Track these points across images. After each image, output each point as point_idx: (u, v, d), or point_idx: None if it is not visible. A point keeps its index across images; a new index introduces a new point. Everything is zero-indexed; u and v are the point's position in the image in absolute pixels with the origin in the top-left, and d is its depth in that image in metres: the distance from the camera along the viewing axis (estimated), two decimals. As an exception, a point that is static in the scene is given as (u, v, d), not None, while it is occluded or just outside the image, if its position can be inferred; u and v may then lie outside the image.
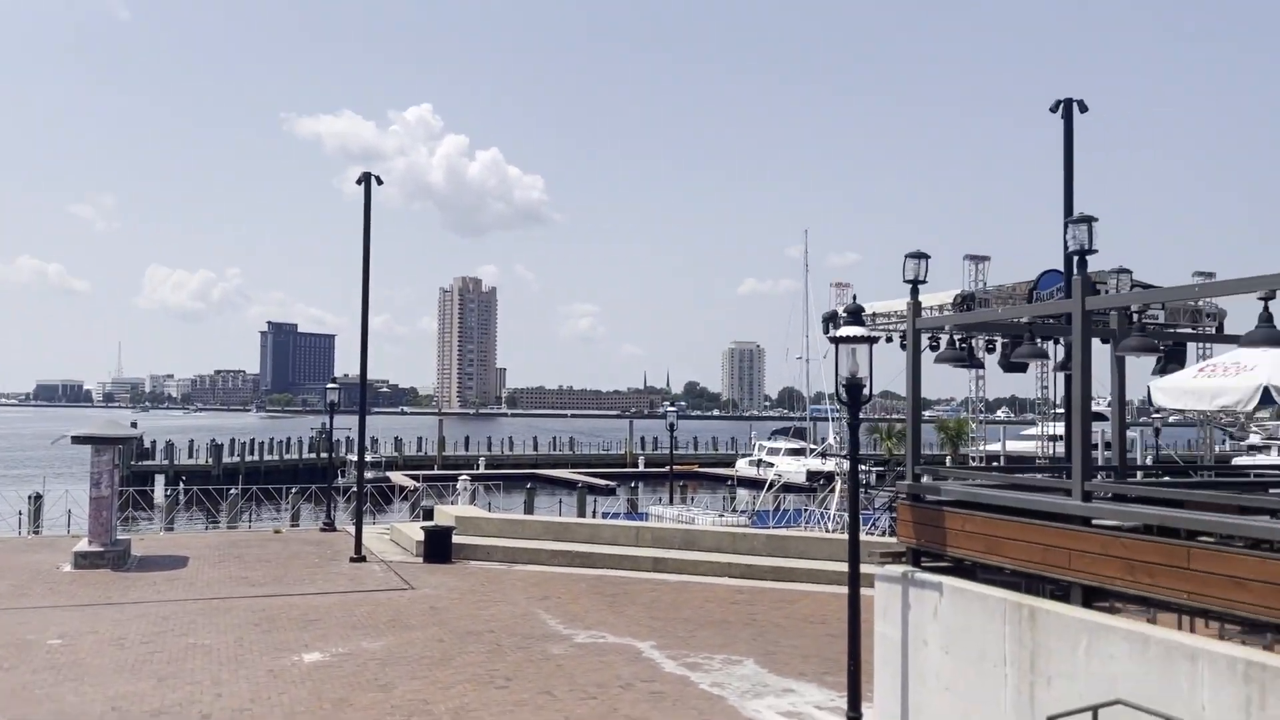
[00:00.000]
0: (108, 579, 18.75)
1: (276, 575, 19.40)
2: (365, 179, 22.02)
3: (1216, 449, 68.76)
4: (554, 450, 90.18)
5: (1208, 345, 17.20)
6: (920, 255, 9.53)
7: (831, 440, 58.02)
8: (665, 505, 35.77)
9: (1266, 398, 8.06)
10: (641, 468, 79.01)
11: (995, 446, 59.15)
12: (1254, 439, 76.18)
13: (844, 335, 9.14)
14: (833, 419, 57.35)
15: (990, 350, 35.59)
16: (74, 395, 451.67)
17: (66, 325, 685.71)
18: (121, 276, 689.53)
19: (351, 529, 22.87)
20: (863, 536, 23.19)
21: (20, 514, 30.13)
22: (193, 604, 16.41)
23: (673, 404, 41.83)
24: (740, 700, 11.11)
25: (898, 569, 9.32)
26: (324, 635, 14.16)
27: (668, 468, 44.82)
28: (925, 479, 9.66)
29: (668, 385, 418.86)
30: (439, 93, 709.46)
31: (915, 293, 9.54)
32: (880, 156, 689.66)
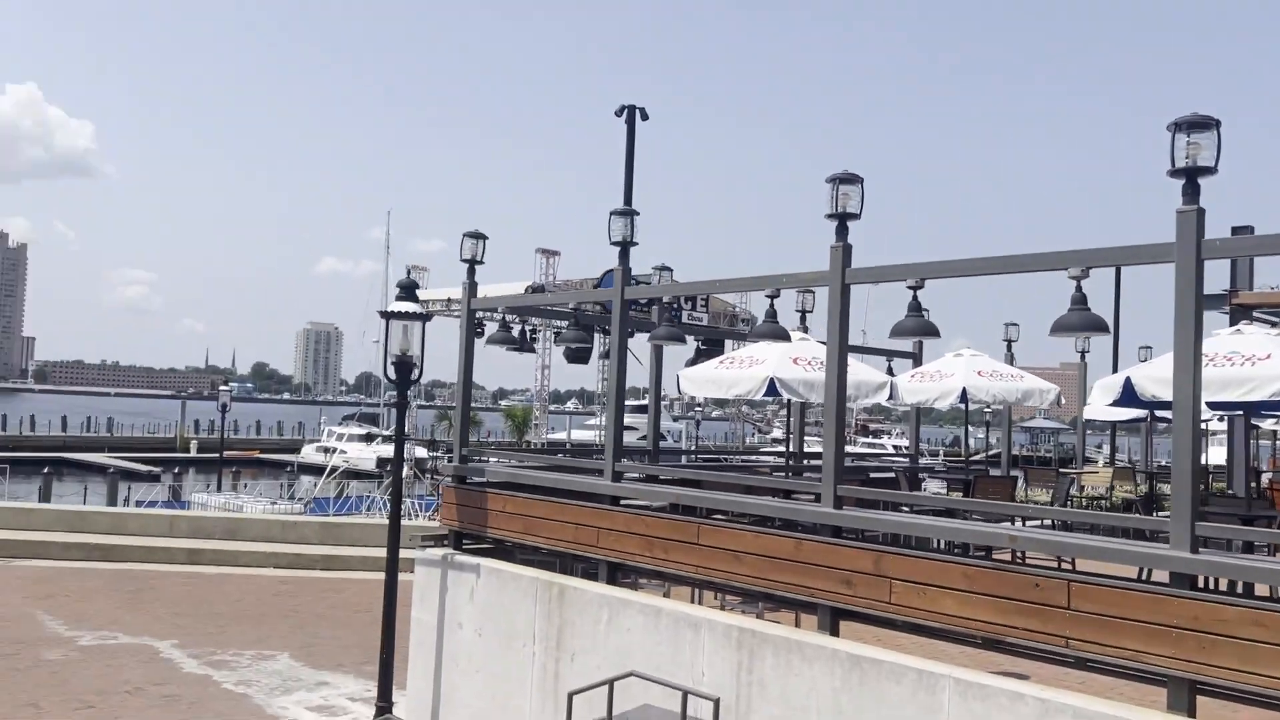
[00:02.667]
0: None
1: None
2: None
3: (748, 440, 77.66)
4: (88, 432, 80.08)
5: (740, 343, 19.04)
6: (478, 235, 9.42)
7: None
8: (212, 493, 33.04)
9: (771, 388, 8.96)
10: (194, 453, 72.63)
11: (561, 435, 61.93)
12: (777, 432, 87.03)
13: (395, 311, 8.78)
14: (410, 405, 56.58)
15: (559, 343, 37.01)
16: None
17: None
18: None
19: None
20: (423, 522, 23.04)
21: None
22: None
23: (227, 382, 38.72)
24: (267, 698, 10.33)
25: (438, 552, 9.14)
26: None
27: (227, 452, 41.57)
28: (472, 461, 9.58)
29: (233, 365, 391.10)
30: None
31: (471, 272, 9.41)
32: (470, 143, 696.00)
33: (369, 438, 61.33)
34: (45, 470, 36.72)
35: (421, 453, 37.47)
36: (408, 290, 9.00)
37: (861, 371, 9.70)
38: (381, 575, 17.60)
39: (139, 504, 29.14)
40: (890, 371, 12.47)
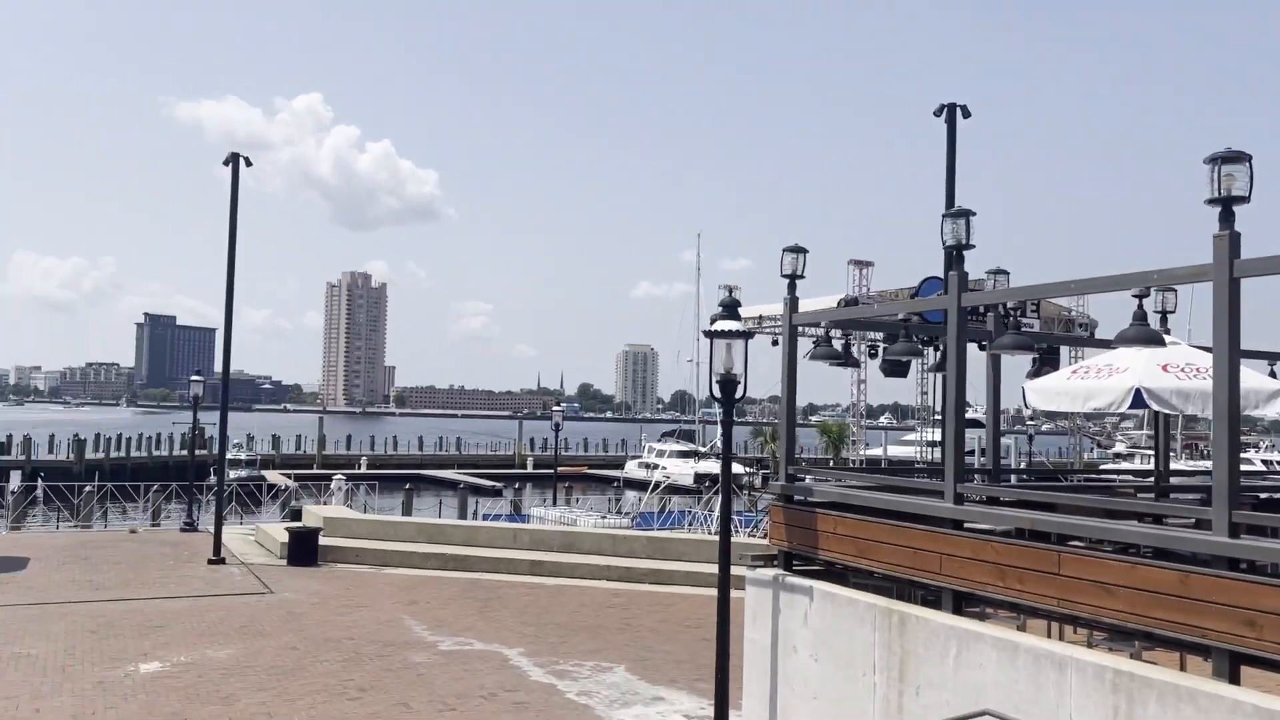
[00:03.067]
0: (-69, 583, 17.21)
1: (124, 578, 18.12)
2: (233, 160, 20.83)
3: (1085, 456, 71.67)
4: (440, 450, 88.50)
5: (1080, 351, 17.50)
6: (798, 249, 9.23)
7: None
8: (548, 507, 35.15)
9: (1138, 400, 7.99)
10: (530, 469, 78.11)
11: (877, 451, 60.22)
12: (1119, 447, 79.67)
13: (718, 330, 8.75)
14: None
15: (873, 355, 35.75)
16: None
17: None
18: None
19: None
20: (744, 539, 23.16)
21: None
22: (24, 610, 15.12)
23: (559, 403, 41.19)
24: (607, 710, 10.64)
25: (768, 572, 8.99)
26: (166, 643, 13.15)
27: (560, 468, 44.32)
28: (798, 480, 9.36)
29: (561, 386, 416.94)
30: (330, 82, 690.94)
31: (792, 288, 9.23)
32: (772, 161, 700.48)
33: (688, 454, 63.02)
34: (407, 486, 40.93)
35: (737, 469, 37.81)
36: (729, 309, 8.95)
37: (1249, 379, 8.44)
38: (707, 591, 17.88)
39: (485, 517, 31.63)
40: (1274, 375, 10.87)
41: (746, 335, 8.83)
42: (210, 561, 19.93)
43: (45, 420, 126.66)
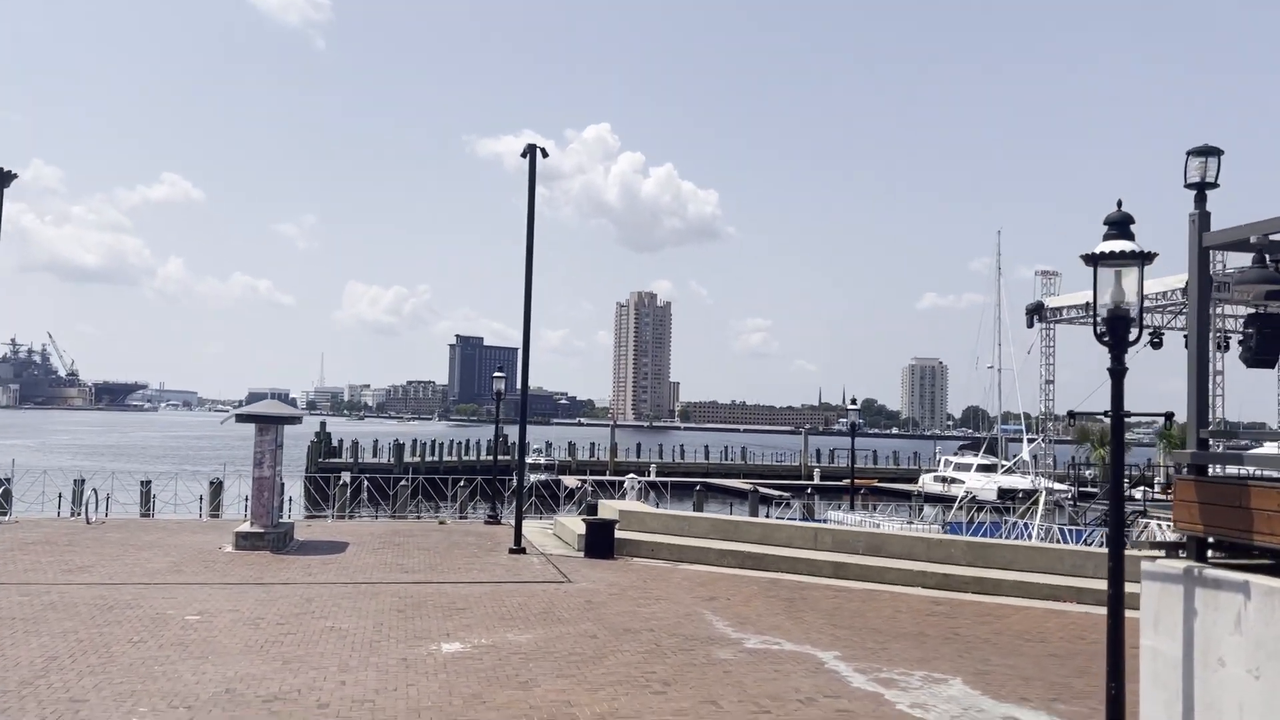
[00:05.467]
0: (264, 560, 18.22)
1: (432, 563, 18.42)
2: (530, 151, 20.90)
3: None
4: (726, 460, 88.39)
5: None
6: (1209, 151, 7.24)
7: (1026, 457, 53.66)
8: (846, 512, 33.29)
9: None
10: (817, 480, 76.07)
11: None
12: None
13: (1108, 251, 6.93)
14: (1026, 440, 52.88)
15: (1223, 348, 30.57)
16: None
17: (274, 337, 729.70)
18: (322, 292, 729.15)
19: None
20: (1073, 545, 20.30)
21: (200, 499, 30.78)
22: (340, 588, 15.50)
23: (854, 402, 39.16)
24: (951, 727, 8.96)
25: (1176, 564, 7.01)
26: (468, 625, 12.84)
27: (847, 479, 42.31)
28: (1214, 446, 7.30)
29: (844, 401, 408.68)
30: (616, 112, 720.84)
31: (1202, 200, 7.23)
32: (1073, 157, 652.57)
33: (990, 468, 58.68)
34: (697, 488, 40.47)
35: (1060, 486, 34.24)
36: (1120, 226, 7.07)
37: None
38: (1044, 604, 15.60)
39: (779, 519, 30.33)
40: None
41: (1144, 258, 6.95)
42: (511, 551, 19.96)
43: (378, 431, 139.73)
